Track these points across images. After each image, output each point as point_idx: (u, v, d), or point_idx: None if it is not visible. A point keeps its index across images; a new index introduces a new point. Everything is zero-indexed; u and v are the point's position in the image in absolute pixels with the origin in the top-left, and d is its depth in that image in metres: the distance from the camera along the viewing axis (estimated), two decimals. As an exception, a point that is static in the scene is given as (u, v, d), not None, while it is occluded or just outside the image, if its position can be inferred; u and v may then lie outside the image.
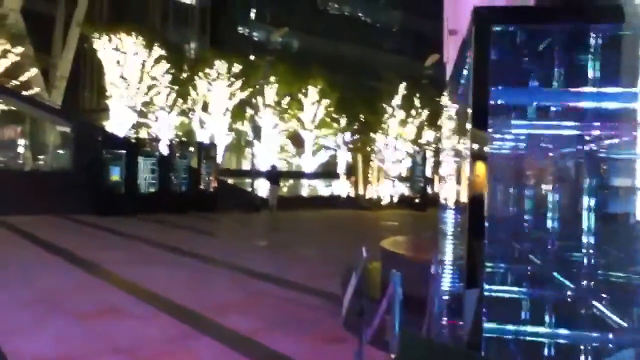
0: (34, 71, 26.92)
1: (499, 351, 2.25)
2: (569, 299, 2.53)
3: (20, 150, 22.33)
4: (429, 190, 28.63)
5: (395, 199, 29.41)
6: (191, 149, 21.21)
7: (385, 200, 28.96)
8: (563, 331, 2.42)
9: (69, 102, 35.45)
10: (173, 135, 24.80)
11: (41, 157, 23.49)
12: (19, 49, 24.10)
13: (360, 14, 54.17)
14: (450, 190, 3.14)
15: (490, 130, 1.83)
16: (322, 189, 31.59)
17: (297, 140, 30.44)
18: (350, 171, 31.70)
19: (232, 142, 27.94)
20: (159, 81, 24.53)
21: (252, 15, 48.85)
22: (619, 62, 2.14)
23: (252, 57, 29.55)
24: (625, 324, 2.08)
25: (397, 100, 31.98)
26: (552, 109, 2.50)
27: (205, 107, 26.09)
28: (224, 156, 26.86)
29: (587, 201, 2.44)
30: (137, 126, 24.66)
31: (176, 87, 25.15)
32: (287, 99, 28.08)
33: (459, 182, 2.54)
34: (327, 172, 31.83)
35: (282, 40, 37.65)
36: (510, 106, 2.29)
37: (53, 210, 16.70)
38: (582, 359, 2.29)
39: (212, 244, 13.14)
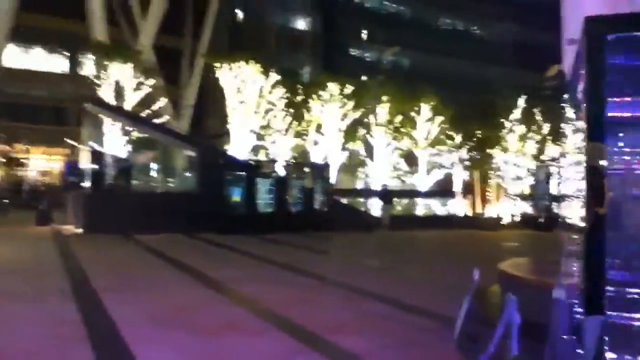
0: (164, 101, 29.27)
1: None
2: None
3: (153, 173, 24.28)
4: (554, 209, 26.93)
5: (517, 219, 28.03)
6: (306, 169, 21.76)
7: (505, 220, 27.68)
8: None
9: (195, 128, 38.24)
10: (289, 156, 25.64)
11: (170, 179, 25.34)
12: (151, 81, 26.35)
13: (472, 28, 52.89)
14: (574, 209, 2.94)
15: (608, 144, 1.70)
16: (438, 208, 30.79)
17: (410, 159, 30.05)
18: (467, 189, 30.61)
19: (345, 161, 28.24)
20: (276, 105, 25.59)
21: (364, 36, 49.52)
22: None
23: (363, 78, 29.82)
24: None
25: (515, 114, 30.64)
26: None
27: (318, 128, 26.71)
28: (337, 176, 27.24)
29: None
30: (255, 149, 25.84)
31: (291, 110, 26.05)
32: (400, 117, 27.92)
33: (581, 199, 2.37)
34: (443, 190, 30.99)
35: (394, 59, 37.66)
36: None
37: (179, 229, 17.94)
38: None
39: (327, 263, 13.33)
